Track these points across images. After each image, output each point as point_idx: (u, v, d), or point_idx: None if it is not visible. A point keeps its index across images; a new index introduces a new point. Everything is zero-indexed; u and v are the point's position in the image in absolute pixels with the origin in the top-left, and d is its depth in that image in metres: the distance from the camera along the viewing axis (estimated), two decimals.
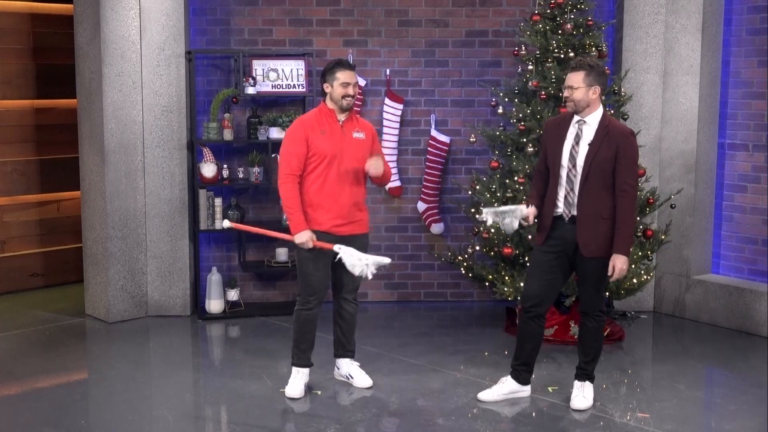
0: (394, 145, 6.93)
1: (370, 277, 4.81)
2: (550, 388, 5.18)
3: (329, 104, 4.94)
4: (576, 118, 4.69)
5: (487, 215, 4.75)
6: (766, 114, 6.41)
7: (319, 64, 6.81)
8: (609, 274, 4.64)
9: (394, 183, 6.96)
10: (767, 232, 6.44)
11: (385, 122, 6.88)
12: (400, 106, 6.89)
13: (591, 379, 4.94)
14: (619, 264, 4.61)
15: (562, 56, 6.04)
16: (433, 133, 6.91)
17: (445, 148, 6.89)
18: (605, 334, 6.03)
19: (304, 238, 4.87)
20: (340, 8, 6.92)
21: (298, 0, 6.90)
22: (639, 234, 6.07)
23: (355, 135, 4.96)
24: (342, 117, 4.94)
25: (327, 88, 4.92)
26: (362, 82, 6.86)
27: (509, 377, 5.00)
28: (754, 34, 6.48)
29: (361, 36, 6.95)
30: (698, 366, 5.78)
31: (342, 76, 4.87)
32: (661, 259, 6.74)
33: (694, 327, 6.54)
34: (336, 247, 4.83)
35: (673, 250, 6.69)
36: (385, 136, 6.90)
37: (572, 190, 4.66)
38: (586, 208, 4.63)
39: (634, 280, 5.98)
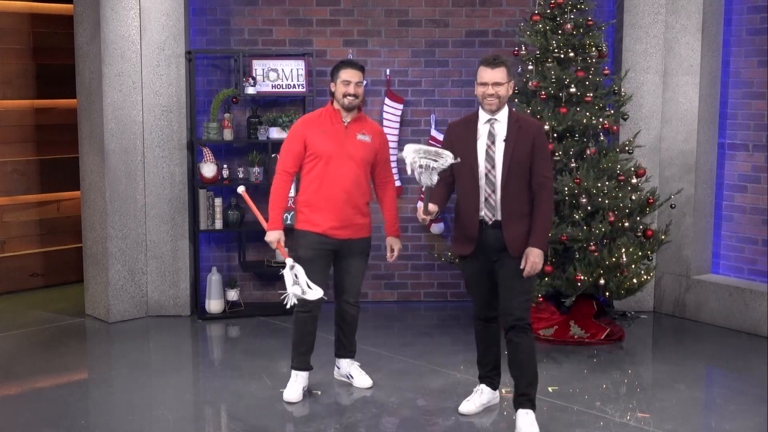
0: (394, 145, 6.93)
1: (288, 306, 4.75)
2: (550, 388, 5.18)
3: (336, 104, 4.94)
4: (485, 117, 4.48)
5: (408, 153, 4.29)
6: (766, 114, 6.41)
7: (319, 64, 6.83)
8: (521, 267, 4.39)
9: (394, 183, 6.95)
10: (767, 232, 6.44)
11: (385, 122, 6.88)
12: (400, 106, 6.89)
13: (534, 407, 4.51)
14: (532, 258, 4.36)
15: (562, 56, 6.04)
16: (433, 133, 6.91)
17: None
18: (605, 334, 6.05)
19: (271, 237, 4.91)
20: (340, 8, 6.92)
21: (298, 0, 6.90)
22: (639, 234, 6.07)
23: (360, 137, 4.92)
24: (348, 118, 4.93)
25: (332, 87, 4.94)
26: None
27: (483, 386, 4.83)
28: (754, 34, 6.48)
29: (361, 36, 6.95)
30: (698, 366, 5.78)
31: (344, 74, 4.88)
32: (661, 259, 6.74)
33: (694, 327, 6.54)
34: (288, 261, 4.77)
35: (673, 250, 6.69)
36: None
37: (493, 191, 4.44)
38: (510, 208, 4.42)
39: (634, 280, 5.97)
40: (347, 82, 4.87)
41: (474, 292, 4.69)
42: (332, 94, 4.97)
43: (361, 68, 5.00)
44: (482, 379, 4.85)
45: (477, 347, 4.82)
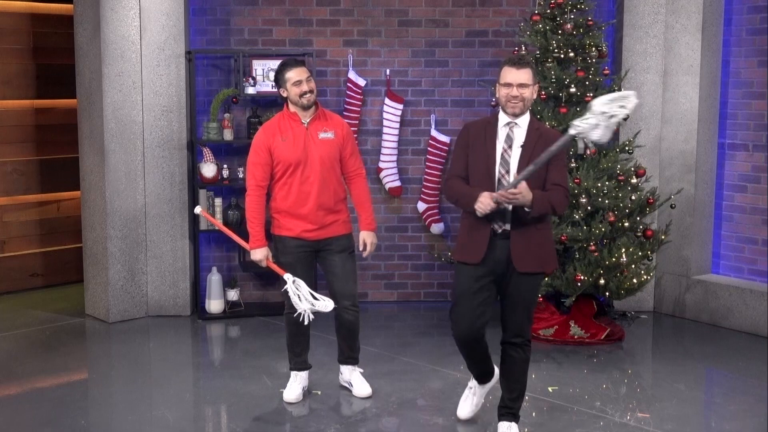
0: (394, 145, 6.93)
1: (306, 322, 4.67)
2: (550, 388, 5.18)
3: (291, 107, 4.82)
4: (505, 119, 4.20)
5: (598, 104, 3.92)
6: (766, 114, 6.41)
7: (319, 64, 6.83)
8: (510, 190, 4.02)
9: (394, 183, 6.96)
10: (767, 232, 6.44)
11: (385, 122, 6.88)
12: (400, 106, 6.89)
13: (517, 419, 4.44)
14: (526, 194, 4.01)
15: (562, 56, 6.04)
16: (433, 133, 6.91)
17: (445, 148, 6.89)
18: (605, 334, 6.05)
19: (259, 255, 4.86)
20: (340, 8, 6.92)
21: (298, 0, 6.90)
22: (639, 234, 6.07)
23: (322, 136, 4.80)
24: (307, 118, 4.80)
25: (283, 92, 4.80)
26: (362, 82, 6.86)
27: (475, 383, 4.65)
28: (754, 34, 6.48)
29: (361, 36, 6.95)
30: (698, 366, 5.78)
31: (292, 75, 4.73)
32: (661, 259, 6.74)
33: (694, 327, 6.54)
34: (287, 277, 4.72)
35: (673, 250, 6.69)
36: (385, 136, 6.90)
37: None
38: (521, 218, 4.13)
39: (634, 280, 5.98)
40: (298, 82, 4.72)
41: (462, 303, 4.26)
42: (284, 99, 4.84)
43: (303, 63, 4.89)
44: (476, 380, 4.68)
45: (465, 360, 4.55)
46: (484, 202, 4.06)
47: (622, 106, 3.97)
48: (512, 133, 4.20)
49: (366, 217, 4.98)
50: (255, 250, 4.86)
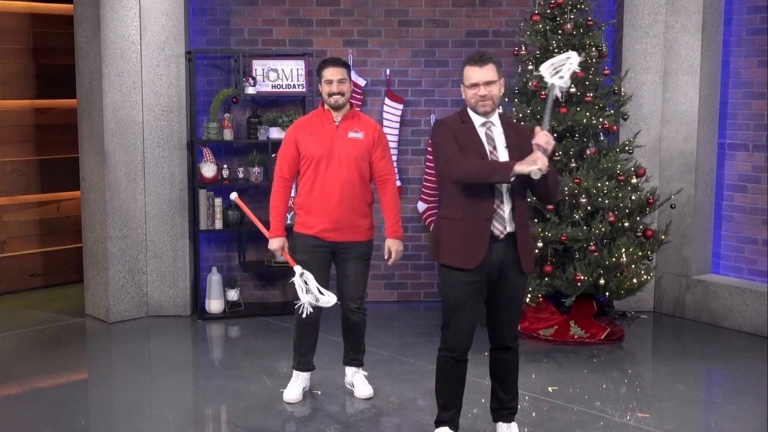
0: (394, 145, 6.93)
1: (303, 315, 4.69)
2: (550, 388, 5.18)
3: (326, 105, 4.88)
4: (480, 120, 4.06)
5: (545, 69, 4.07)
6: (766, 114, 6.41)
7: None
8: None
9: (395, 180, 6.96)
10: (767, 232, 6.44)
11: (385, 122, 6.88)
12: (400, 106, 6.89)
13: (514, 418, 4.40)
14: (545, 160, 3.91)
15: None
16: None
17: None
18: (605, 334, 6.05)
19: (275, 245, 4.91)
20: (340, 8, 6.92)
21: (298, 0, 6.90)
22: (639, 234, 6.07)
23: (351, 135, 4.81)
24: (339, 117, 4.83)
25: (320, 88, 4.87)
26: (362, 82, 6.87)
27: (446, 428, 4.25)
28: (754, 34, 6.48)
29: (361, 36, 6.96)
30: (698, 366, 5.78)
31: (326, 73, 4.79)
32: (661, 259, 6.74)
33: (694, 327, 6.54)
34: (296, 268, 4.74)
35: (673, 250, 6.69)
36: None
37: (502, 202, 4.00)
38: (519, 220, 4.03)
39: (634, 280, 5.97)
40: (330, 81, 4.77)
41: (459, 313, 4.10)
42: (321, 95, 4.90)
43: (344, 64, 4.85)
44: (442, 424, 4.26)
45: (441, 391, 4.23)
46: (543, 158, 3.85)
47: (570, 62, 4.11)
48: (491, 133, 4.06)
49: (392, 224, 4.95)
50: (272, 240, 4.91)
